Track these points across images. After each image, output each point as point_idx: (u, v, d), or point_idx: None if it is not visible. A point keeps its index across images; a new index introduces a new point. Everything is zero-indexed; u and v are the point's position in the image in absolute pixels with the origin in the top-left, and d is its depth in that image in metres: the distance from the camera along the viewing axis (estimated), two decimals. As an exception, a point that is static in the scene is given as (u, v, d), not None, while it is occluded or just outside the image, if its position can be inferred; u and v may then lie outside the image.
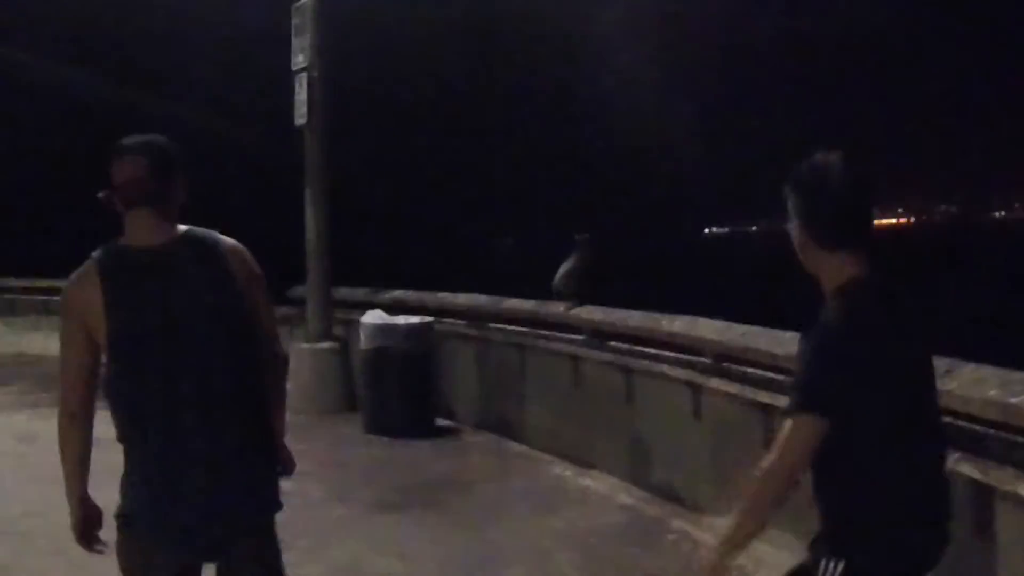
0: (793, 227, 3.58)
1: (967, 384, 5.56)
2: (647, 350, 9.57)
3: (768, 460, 3.42)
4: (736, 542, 3.53)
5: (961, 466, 5.39)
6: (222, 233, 4.25)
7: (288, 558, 7.93)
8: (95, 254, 4.07)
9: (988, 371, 5.66)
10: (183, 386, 3.98)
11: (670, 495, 8.95)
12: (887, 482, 3.44)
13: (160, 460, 4.04)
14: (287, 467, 4.51)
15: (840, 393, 3.33)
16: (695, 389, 8.59)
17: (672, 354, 9.15)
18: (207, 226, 4.24)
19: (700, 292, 23.50)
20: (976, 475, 5.38)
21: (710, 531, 8.10)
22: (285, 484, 9.82)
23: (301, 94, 13.71)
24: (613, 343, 10.20)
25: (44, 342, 18.54)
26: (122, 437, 4.08)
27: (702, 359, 8.64)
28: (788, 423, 3.40)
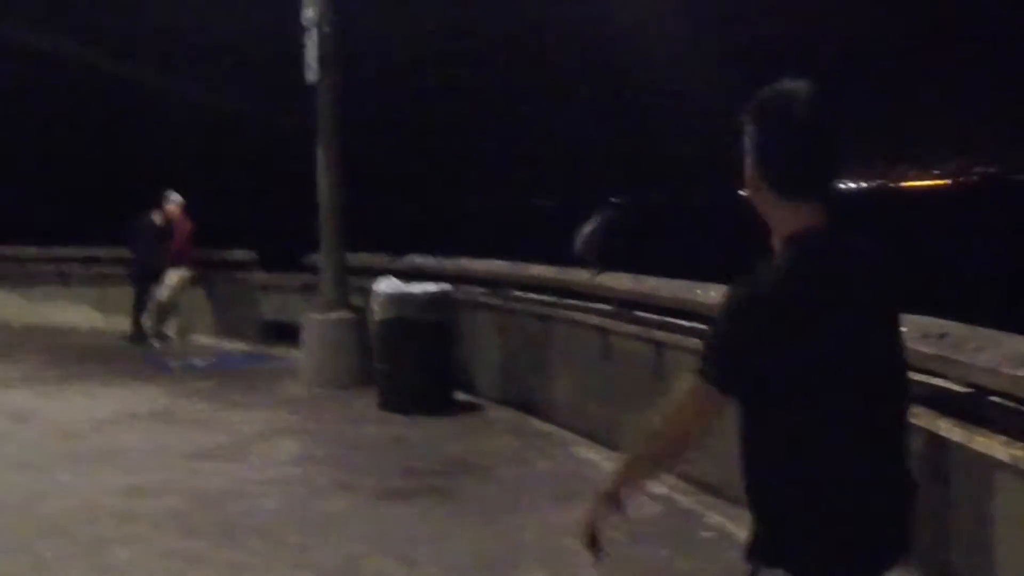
0: (747, 163, 3.06)
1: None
2: (680, 322, 8.71)
3: (658, 416, 3.08)
4: (612, 494, 3.25)
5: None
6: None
7: (275, 559, 7.27)
8: None
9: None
10: None
11: (706, 485, 8.09)
12: (827, 471, 2.92)
13: None
14: None
15: (748, 367, 2.88)
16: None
17: (703, 327, 8.29)
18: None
19: (736, 259, 22.61)
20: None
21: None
22: (288, 470, 9.18)
23: (312, 50, 13.03)
24: (643, 314, 9.35)
25: (61, 312, 18.01)
26: None
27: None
28: (687, 383, 2.98)
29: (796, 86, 3.00)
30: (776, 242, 3.03)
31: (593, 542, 3.37)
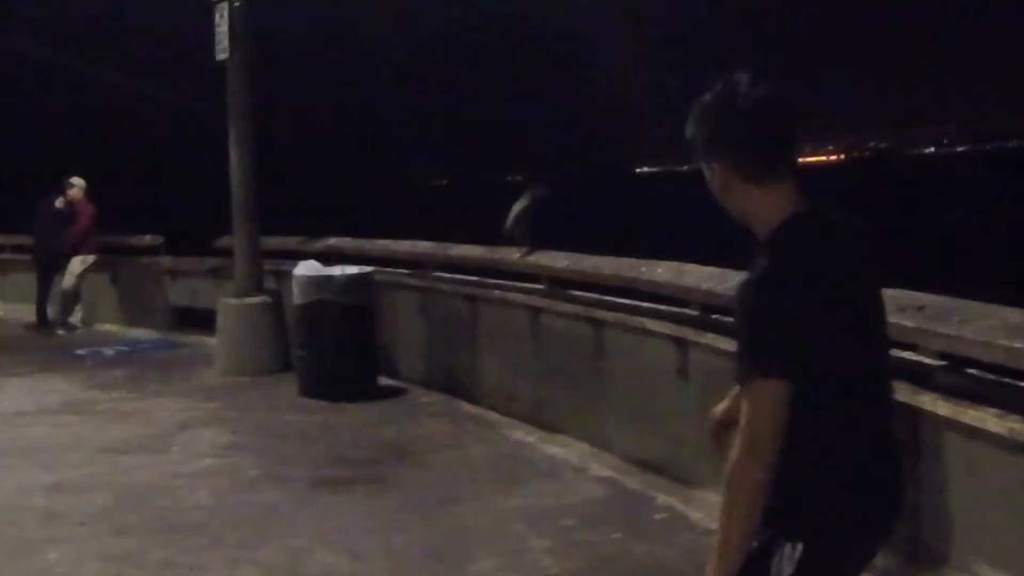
0: (709, 170, 3.12)
1: None
2: (621, 301, 8.52)
3: (738, 448, 2.93)
4: (731, 556, 2.98)
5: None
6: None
7: (214, 557, 6.95)
8: None
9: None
10: None
11: (651, 465, 7.92)
12: (842, 445, 3.02)
13: None
14: None
15: (800, 352, 2.90)
16: (681, 344, 7.53)
17: (649, 305, 8.12)
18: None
19: (649, 235, 22.56)
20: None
21: (702, 509, 7.12)
22: (214, 462, 8.84)
23: (221, 25, 12.64)
24: (579, 293, 9.14)
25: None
26: None
27: (687, 311, 7.59)
28: (752, 394, 2.91)
29: (735, 75, 3.06)
30: (763, 233, 3.04)
31: None
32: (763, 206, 3.05)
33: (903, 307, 5.37)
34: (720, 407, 3.45)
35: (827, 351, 2.94)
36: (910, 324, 5.35)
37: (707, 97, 3.10)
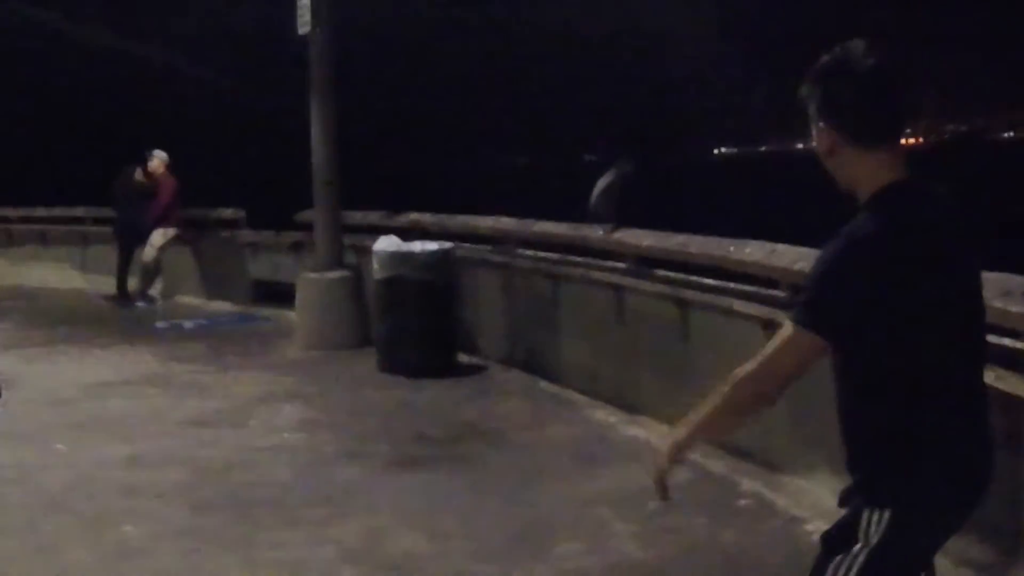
0: (818, 131, 3.16)
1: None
2: (707, 281, 8.32)
3: (751, 365, 3.13)
4: (697, 432, 3.30)
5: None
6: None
7: (293, 535, 6.85)
8: None
9: None
10: None
11: (737, 450, 7.70)
12: (930, 416, 3.04)
13: None
14: None
15: (852, 314, 2.97)
16: (770, 327, 7.29)
17: (738, 285, 7.92)
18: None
19: (729, 215, 22.21)
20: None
21: (788, 495, 6.93)
22: (293, 437, 8.77)
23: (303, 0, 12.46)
24: (665, 272, 8.94)
25: (42, 273, 17.63)
26: None
27: (777, 293, 7.38)
28: (785, 331, 3.08)
29: (850, 43, 3.10)
30: (865, 198, 3.08)
31: (663, 491, 3.37)
32: (868, 171, 3.09)
33: (1008, 291, 5.11)
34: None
35: (911, 319, 2.98)
36: (1014, 309, 5.09)
37: (823, 60, 3.14)
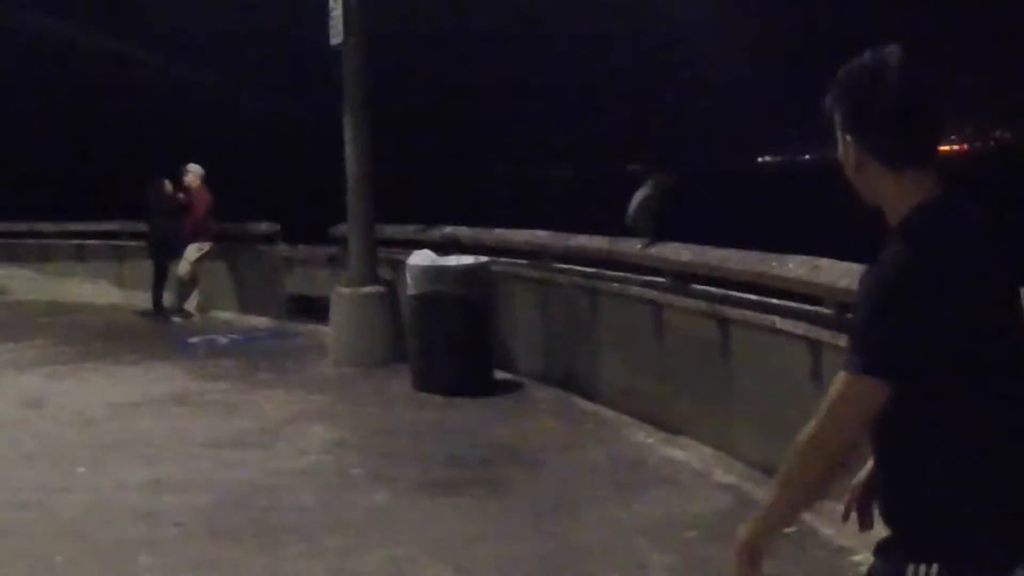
0: (844, 145, 2.85)
1: None
2: (749, 297, 8.02)
3: (813, 425, 2.81)
4: (772, 523, 3.07)
5: None
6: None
7: (314, 565, 6.59)
8: None
9: None
10: None
11: (780, 473, 7.39)
12: (978, 460, 2.75)
13: None
14: None
15: (913, 352, 2.66)
16: (815, 346, 7.00)
17: (780, 302, 7.62)
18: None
19: (774, 228, 21.87)
20: None
21: (832, 524, 6.60)
22: (320, 459, 8.51)
23: (336, 10, 12.37)
24: (705, 288, 8.64)
25: (79, 289, 17.53)
26: None
27: (822, 310, 7.07)
28: (840, 382, 2.74)
29: (883, 52, 2.83)
30: (895, 219, 2.80)
31: None
32: (898, 188, 2.82)
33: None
34: (861, 473, 3.11)
35: (958, 353, 2.69)
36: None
37: (853, 67, 2.85)
